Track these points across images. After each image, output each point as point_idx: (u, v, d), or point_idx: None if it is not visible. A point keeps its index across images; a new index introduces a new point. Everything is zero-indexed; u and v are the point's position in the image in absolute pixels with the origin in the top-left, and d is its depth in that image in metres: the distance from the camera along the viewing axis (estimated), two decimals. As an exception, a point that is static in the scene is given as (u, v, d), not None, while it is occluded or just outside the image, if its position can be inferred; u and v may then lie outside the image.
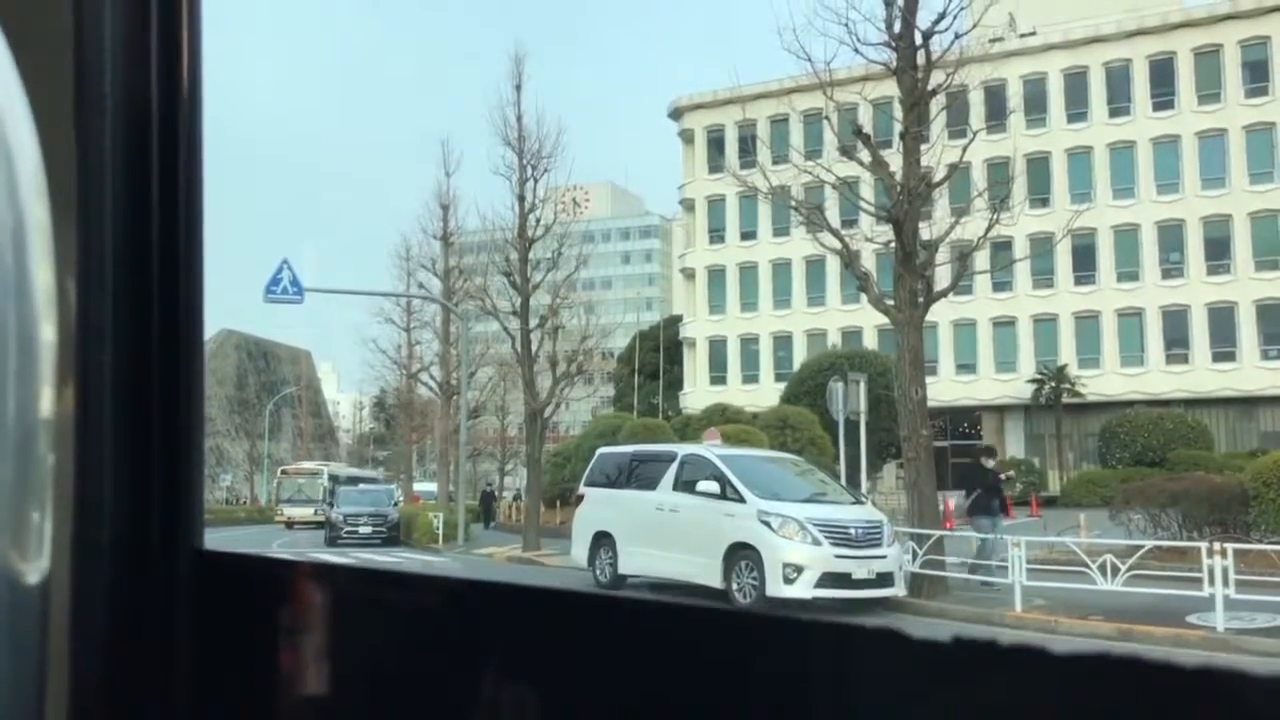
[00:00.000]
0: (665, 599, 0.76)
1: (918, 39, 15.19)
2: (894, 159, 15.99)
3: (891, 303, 15.49)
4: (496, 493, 45.63)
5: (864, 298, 18.70)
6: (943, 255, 17.07)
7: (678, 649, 0.72)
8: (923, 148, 15.91)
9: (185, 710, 0.98)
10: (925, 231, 15.91)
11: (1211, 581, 11.04)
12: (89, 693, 0.92)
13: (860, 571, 12.59)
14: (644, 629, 0.76)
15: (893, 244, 15.43)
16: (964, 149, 15.80)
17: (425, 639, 0.90)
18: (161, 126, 0.99)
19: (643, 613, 0.79)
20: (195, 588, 0.98)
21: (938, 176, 16.43)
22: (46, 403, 0.80)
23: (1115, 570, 12.28)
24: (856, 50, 15.68)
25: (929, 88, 15.37)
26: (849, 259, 16.43)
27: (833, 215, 18.40)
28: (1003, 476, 16.22)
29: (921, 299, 15.11)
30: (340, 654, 0.96)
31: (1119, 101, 45.80)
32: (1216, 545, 11.42)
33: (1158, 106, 44.94)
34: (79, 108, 0.95)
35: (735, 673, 0.69)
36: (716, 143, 50.60)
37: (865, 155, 16.10)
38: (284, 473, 47.88)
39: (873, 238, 18.23)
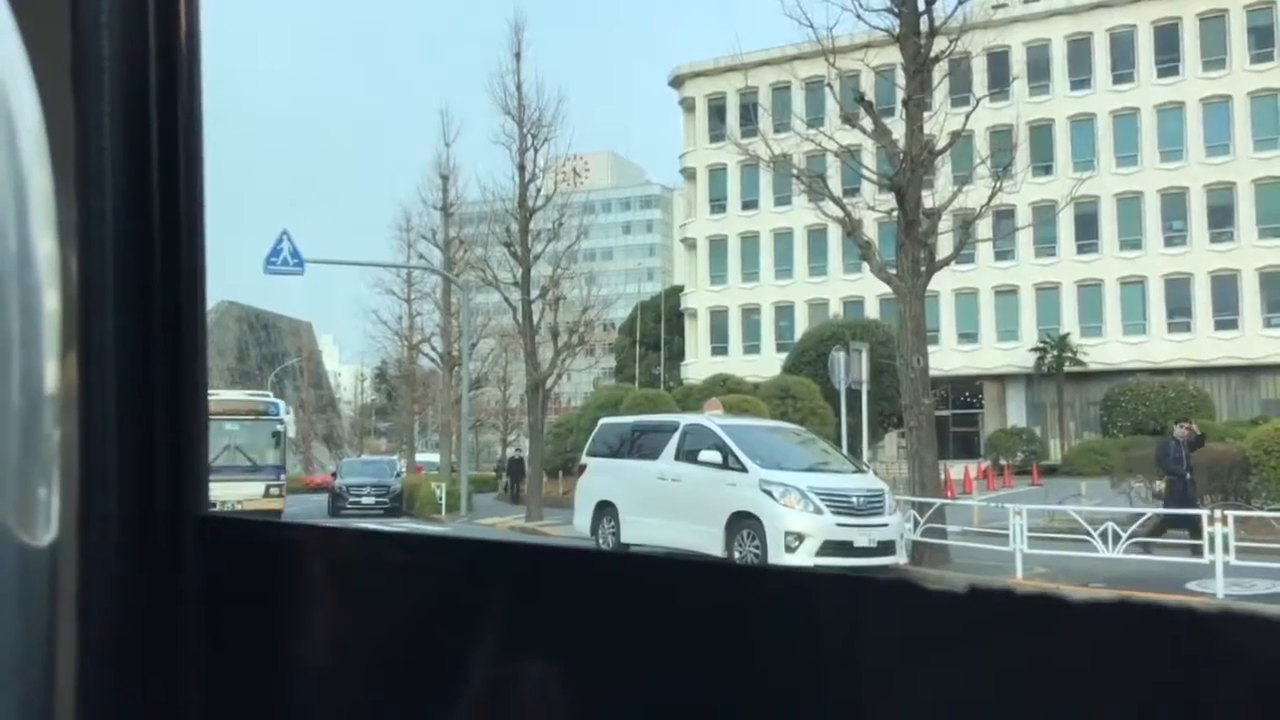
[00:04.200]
0: (677, 556, 0.76)
1: (920, 4, 15.06)
2: (896, 127, 15.90)
3: (894, 272, 15.46)
4: (528, 461, 34.35)
5: (866, 267, 18.66)
6: (945, 224, 17.02)
7: (691, 604, 0.72)
8: (925, 115, 15.81)
9: (194, 675, 0.99)
10: (928, 200, 15.84)
11: (1212, 548, 11.10)
12: (98, 659, 0.93)
13: (862, 540, 12.64)
14: (656, 585, 0.76)
15: (895, 212, 15.38)
16: (967, 116, 15.70)
17: (431, 599, 0.90)
18: (160, 93, 0.98)
19: (654, 568, 0.79)
20: (201, 553, 0.99)
21: (940, 144, 16.35)
22: (51, 372, 0.79)
23: (1116, 538, 12.34)
24: (859, 16, 15.55)
25: (932, 54, 15.25)
26: (851, 228, 16.37)
27: (835, 184, 18.31)
28: None
29: (924, 268, 15.08)
30: (348, 616, 0.97)
31: (1123, 68, 45.43)
32: (1217, 512, 11.46)
33: (1162, 73, 44.58)
34: (77, 75, 0.94)
35: (750, 626, 0.69)
36: (718, 111, 50.27)
37: (868, 123, 15.99)
38: None
39: (875, 206, 18.15)
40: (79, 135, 0.94)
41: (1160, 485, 14.88)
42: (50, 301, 0.73)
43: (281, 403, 25.80)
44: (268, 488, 22.83)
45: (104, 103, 0.95)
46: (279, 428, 24.07)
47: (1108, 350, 43.68)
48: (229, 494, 21.53)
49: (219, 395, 25.11)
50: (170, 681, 0.97)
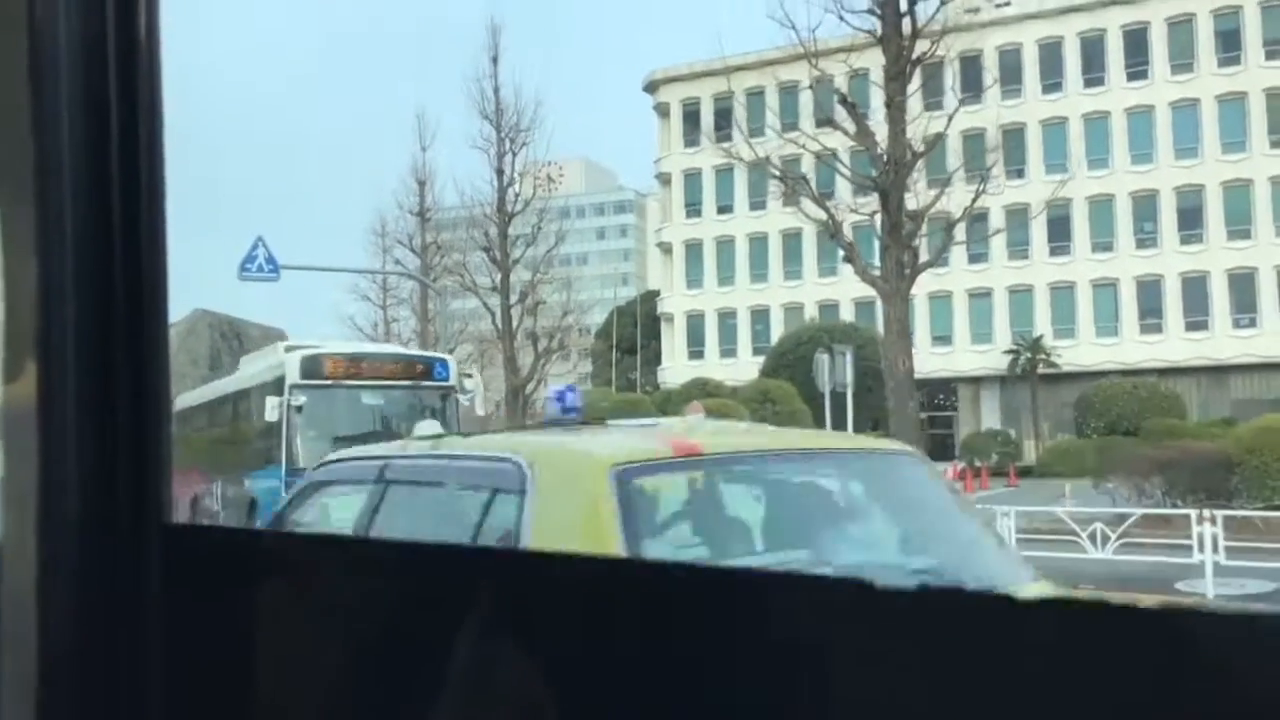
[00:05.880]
0: (636, 559, 0.70)
1: (903, 5, 15.07)
2: (876, 130, 15.89)
3: (878, 273, 15.44)
4: None
5: (841, 271, 18.63)
6: (923, 227, 17.04)
7: (648, 606, 0.71)
8: (907, 118, 15.83)
9: (158, 686, 0.96)
10: (909, 203, 15.85)
11: (1201, 548, 11.10)
12: (58, 670, 0.92)
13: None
14: (649, 591, 0.73)
15: (876, 214, 15.38)
16: (949, 119, 15.75)
17: (408, 608, 0.87)
18: (120, 93, 0.96)
19: (612, 572, 0.79)
20: (164, 562, 0.97)
21: (918, 148, 16.37)
22: (8, 379, 0.79)
23: (1105, 539, 12.34)
24: (841, 18, 15.56)
25: (914, 56, 15.28)
26: (834, 229, 16.36)
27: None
28: None
29: (908, 270, 15.09)
30: (319, 626, 0.94)
31: (1094, 72, 45.89)
32: (1205, 512, 11.48)
33: (1132, 77, 45.07)
34: (34, 76, 0.93)
35: (696, 628, 0.68)
36: (692, 116, 50.30)
37: (849, 125, 15.99)
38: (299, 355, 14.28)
39: (857, 209, 18.15)
40: (35, 137, 0.93)
41: None
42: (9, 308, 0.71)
43: (451, 360, 16.30)
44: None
45: (61, 103, 0.93)
46: (457, 396, 15.16)
47: (1080, 352, 44.05)
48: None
49: (342, 349, 15.58)
50: (134, 690, 0.95)
